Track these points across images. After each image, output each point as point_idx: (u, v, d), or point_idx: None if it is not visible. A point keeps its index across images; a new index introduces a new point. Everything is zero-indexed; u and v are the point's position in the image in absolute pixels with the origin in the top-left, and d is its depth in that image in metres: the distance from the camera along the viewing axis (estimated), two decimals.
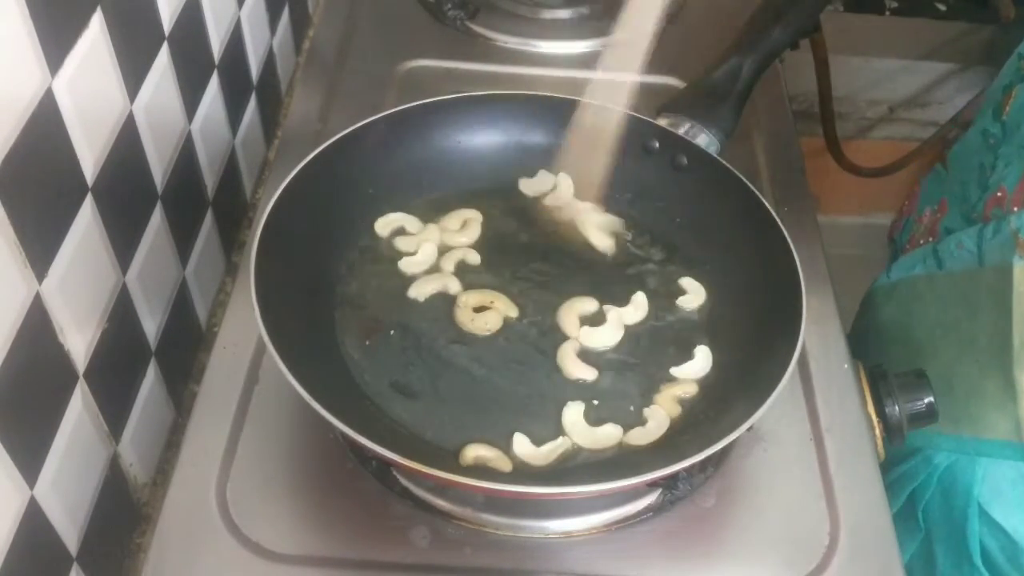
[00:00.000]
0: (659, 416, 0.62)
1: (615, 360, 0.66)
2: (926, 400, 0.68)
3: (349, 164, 0.71)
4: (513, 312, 0.68)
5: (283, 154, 0.86)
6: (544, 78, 0.95)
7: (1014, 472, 0.70)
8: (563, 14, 1.04)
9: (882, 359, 0.80)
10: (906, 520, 0.79)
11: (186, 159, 0.71)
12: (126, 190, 0.61)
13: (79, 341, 0.56)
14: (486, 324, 0.67)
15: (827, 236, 0.81)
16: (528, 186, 0.78)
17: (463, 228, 0.74)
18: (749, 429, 0.56)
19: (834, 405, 0.69)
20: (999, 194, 0.74)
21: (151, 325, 0.67)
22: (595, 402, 0.64)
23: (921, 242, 0.86)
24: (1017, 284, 0.69)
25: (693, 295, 0.70)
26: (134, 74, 0.61)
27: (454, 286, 0.69)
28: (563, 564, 0.60)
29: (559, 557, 0.60)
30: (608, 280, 0.72)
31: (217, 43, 0.76)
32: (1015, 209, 0.71)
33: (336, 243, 0.71)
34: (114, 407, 0.61)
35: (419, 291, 0.69)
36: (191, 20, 0.70)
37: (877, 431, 0.68)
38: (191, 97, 0.71)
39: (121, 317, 0.62)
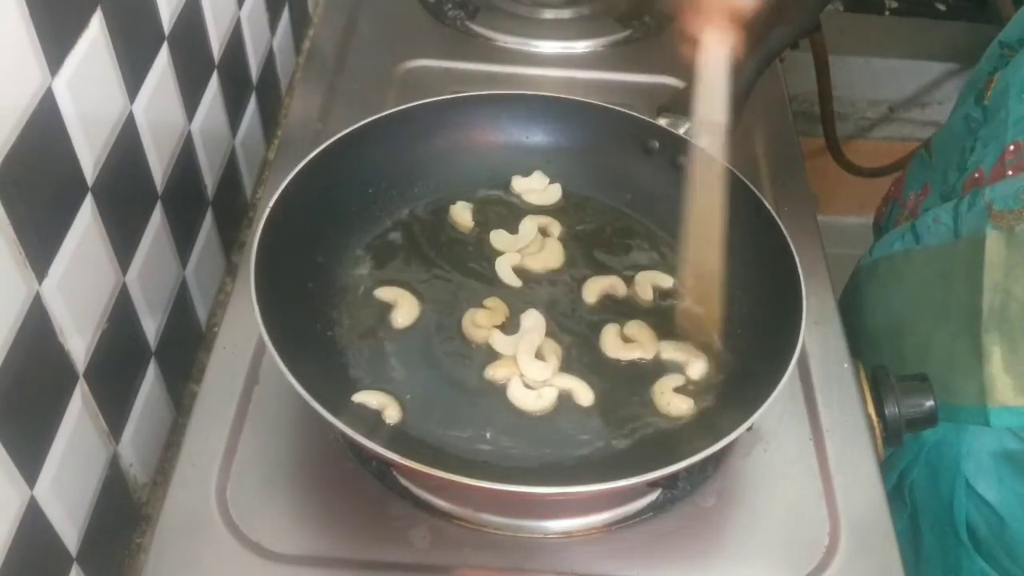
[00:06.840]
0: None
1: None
2: (927, 404, 0.68)
3: (349, 164, 0.71)
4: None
5: (283, 154, 0.86)
6: (544, 78, 0.95)
7: (997, 445, 0.70)
8: (563, 14, 1.04)
9: (864, 336, 0.81)
10: (892, 499, 0.79)
11: (186, 159, 0.71)
12: (126, 190, 0.61)
13: (79, 341, 0.56)
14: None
15: (827, 236, 0.81)
16: (520, 184, 0.77)
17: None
18: (749, 429, 0.56)
19: (834, 405, 0.69)
20: (976, 175, 0.75)
21: (151, 325, 0.67)
22: None
23: (903, 223, 0.87)
24: (988, 251, 0.70)
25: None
26: (134, 74, 0.61)
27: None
28: (563, 564, 0.60)
29: (559, 557, 0.60)
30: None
31: (217, 43, 0.76)
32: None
33: (336, 243, 0.71)
34: (114, 407, 0.61)
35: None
36: (191, 20, 0.70)
37: (877, 431, 0.68)
38: (191, 97, 0.71)
39: (121, 317, 0.62)
